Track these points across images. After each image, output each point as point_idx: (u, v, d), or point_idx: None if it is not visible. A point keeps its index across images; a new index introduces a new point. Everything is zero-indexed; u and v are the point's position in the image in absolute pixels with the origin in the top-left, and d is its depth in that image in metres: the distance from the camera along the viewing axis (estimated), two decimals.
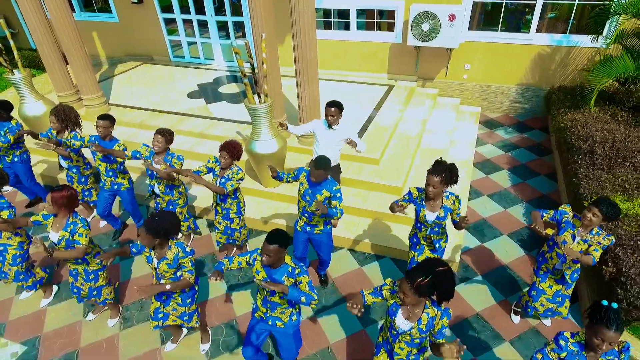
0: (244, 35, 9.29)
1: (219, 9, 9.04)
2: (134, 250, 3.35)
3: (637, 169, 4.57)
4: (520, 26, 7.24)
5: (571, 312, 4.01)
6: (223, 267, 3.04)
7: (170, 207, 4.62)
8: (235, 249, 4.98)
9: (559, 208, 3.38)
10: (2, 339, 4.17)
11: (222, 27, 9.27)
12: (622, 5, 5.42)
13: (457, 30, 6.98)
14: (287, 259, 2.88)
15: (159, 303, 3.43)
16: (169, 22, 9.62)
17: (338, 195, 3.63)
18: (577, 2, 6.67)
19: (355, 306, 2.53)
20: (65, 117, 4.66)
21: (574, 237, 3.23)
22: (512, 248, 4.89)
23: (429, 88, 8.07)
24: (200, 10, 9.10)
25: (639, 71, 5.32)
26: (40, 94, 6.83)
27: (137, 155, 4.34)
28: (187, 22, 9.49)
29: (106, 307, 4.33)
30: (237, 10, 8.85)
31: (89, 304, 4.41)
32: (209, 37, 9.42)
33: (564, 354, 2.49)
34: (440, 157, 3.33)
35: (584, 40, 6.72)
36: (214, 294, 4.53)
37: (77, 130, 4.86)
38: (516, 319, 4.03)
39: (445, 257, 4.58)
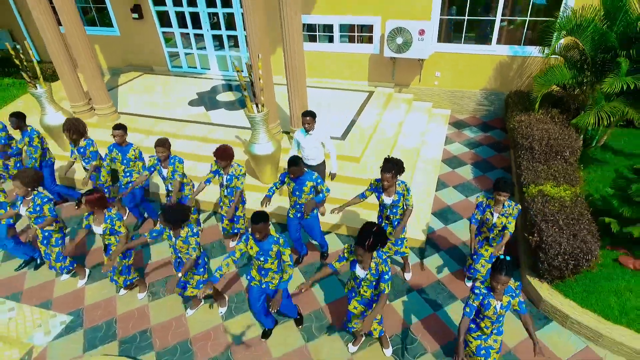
0: (235, 46, 10.19)
1: (214, 24, 9.92)
2: (154, 234, 4.20)
3: (567, 161, 5.63)
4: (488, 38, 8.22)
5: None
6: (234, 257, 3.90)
7: (182, 200, 5.52)
8: (238, 237, 5.95)
9: (477, 201, 4.43)
10: (50, 312, 5.06)
11: (216, 36, 10.12)
12: (560, 23, 6.46)
13: (427, 44, 7.99)
14: (272, 231, 3.83)
15: (178, 273, 4.37)
16: (166, 32, 10.47)
17: (319, 181, 4.59)
18: (528, 18, 7.74)
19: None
20: (75, 129, 5.54)
21: (492, 214, 4.24)
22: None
23: (405, 93, 9.08)
24: (195, 23, 9.97)
25: (573, 80, 6.38)
26: (59, 105, 7.65)
27: (151, 170, 5.25)
28: (184, 34, 10.35)
29: (135, 285, 5.23)
30: (230, 25, 9.75)
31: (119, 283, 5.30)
32: (205, 48, 10.30)
33: (481, 297, 3.47)
34: (388, 155, 4.31)
35: (535, 51, 7.79)
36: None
37: (86, 137, 5.74)
38: (469, 283, 5.05)
39: (413, 236, 5.60)
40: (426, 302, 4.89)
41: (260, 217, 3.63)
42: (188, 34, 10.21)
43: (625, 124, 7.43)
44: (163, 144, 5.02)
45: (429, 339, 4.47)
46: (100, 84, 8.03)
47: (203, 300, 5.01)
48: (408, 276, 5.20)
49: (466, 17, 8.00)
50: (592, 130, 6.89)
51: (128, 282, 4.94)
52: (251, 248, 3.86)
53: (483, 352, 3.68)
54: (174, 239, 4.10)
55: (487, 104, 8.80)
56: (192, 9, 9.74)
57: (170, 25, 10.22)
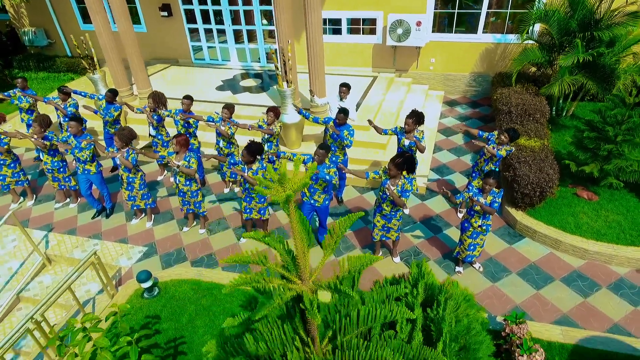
0: (251, 40, 11.51)
1: (234, 19, 11.24)
2: (231, 160, 5.54)
3: (537, 122, 7.01)
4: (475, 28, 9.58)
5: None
6: (282, 155, 5.34)
7: (229, 157, 6.81)
8: None
9: (492, 132, 5.74)
10: (128, 245, 6.34)
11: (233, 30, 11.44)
12: (532, 13, 7.84)
13: (423, 33, 9.36)
14: (327, 161, 5.15)
15: (245, 203, 5.68)
16: (191, 28, 11.76)
17: (351, 130, 5.91)
18: (509, 11, 9.13)
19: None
20: (158, 99, 6.86)
21: (494, 148, 5.57)
22: (461, 179, 7.27)
23: (404, 78, 10.43)
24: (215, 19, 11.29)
25: (544, 59, 7.77)
26: None
27: (210, 118, 6.54)
28: (208, 30, 11.65)
29: (194, 224, 6.52)
30: (250, 21, 11.08)
31: (187, 217, 6.54)
32: (226, 42, 11.61)
33: (471, 193, 4.80)
34: (415, 109, 5.67)
35: (514, 39, 9.17)
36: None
37: (164, 108, 7.04)
38: (460, 214, 6.40)
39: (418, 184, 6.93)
40: (428, 229, 6.23)
41: (324, 146, 5.04)
42: (211, 29, 11.51)
43: (592, 98, 8.85)
44: (229, 107, 6.34)
45: (431, 252, 5.82)
46: (143, 73, 9.31)
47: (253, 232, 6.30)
48: (407, 211, 6.56)
49: (456, 10, 9.39)
50: (562, 103, 8.31)
51: (200, 215, 6.22)
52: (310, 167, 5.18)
53: (472, 247, 5.05)
54: (247, 169, 5.38)
55: (476, 85, 10.18)
56: (215, 7, 11.05)
57: (194, 22, 11.52)
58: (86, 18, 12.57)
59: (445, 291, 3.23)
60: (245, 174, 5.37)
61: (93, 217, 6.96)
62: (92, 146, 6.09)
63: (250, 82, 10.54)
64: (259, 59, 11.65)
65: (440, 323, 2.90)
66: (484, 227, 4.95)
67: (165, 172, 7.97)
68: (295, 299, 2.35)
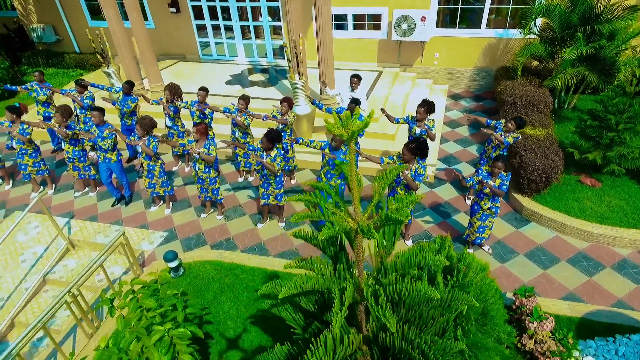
0: (257, 36, 11.74)
1: (241, 15, 11.46)
2: (251, 148, 5.81)
3: (541, 112, 7.27)
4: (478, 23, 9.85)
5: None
6: (301, 141, 5.53)
7: (245, 145, 7.04)
8: (286, 177, 7.49)
9: (499, 120, 6.00)
10: (149, 230, 6.56)
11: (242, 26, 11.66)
12: (535, 8, 8.11)
13: (428, 28, 9.61)
14: (343, 147, 5.40)
15: (263, 189, 5.90)
16: (199, 24, 11.97)
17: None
18: (511, 6, 9.39)
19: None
20: (175, 90, 7.08)
21: (502, 135, 5.82)
22: (468, 168, 7.52)
23: (409, 72, 10.68)
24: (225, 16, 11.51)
25: (547, 52, 8.04)
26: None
27: (227, 109, 6.77)
28: (215, 26, 11.86)
29: (212, 211, 6.75)
30: (256, 17, 11.30)
31: (205, 204, 6.75)
32: (234, 38, 11.82)
33: (481, 177, 5.06)
34: (426, 98, 5.91)
35: (517, 33, 9.44)
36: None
37: (180, 99, 7.27)
38: (468, 201, 6.65)
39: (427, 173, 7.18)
40: (438, 214, 6.48)
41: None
42: (218, 25, 11.71)
43: (592, 91, 9.12)
44: (245, 99, 6.57)
45: (441, 235, 6.05)
46: (155, 67, 9.52)
47: (269, 219, 6.54)
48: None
49: (460, 6, 9.64)
50: (564, 96, 8.58)
51: (217, 202, 6.46)
52: (327, 152, 5.44)
53: (481, 229, 5.30)
54: (265, 155, 5.62)
55: (479, 79, 10.44)
56: (222, 4, 11.26)
57: (202, 18, 11.73)
58: (94, 14, 12.77)
59: (463, 260, 3.48)
60: (264, 160, 5.62)
61: (112, 205, 7.17)
62: (114, 135, 6.31)
63: (258, 77, 10.77)
64: (266, 54, 11.87)
65: (467, 287, 3.15)
66: (493, 210, 5.21)
67: (180, 162, 8.19)
68: (339, 246, 2.63)
